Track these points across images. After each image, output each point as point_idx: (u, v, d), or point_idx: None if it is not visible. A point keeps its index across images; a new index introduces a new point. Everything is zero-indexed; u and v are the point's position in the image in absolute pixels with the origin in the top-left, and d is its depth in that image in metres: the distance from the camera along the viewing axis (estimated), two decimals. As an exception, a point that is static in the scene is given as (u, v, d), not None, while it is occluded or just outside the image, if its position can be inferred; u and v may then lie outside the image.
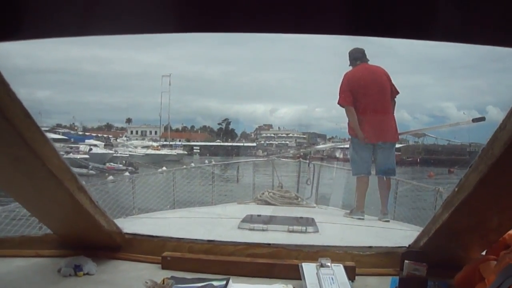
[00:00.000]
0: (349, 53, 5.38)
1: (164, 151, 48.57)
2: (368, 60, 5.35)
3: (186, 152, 57.25)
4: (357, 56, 5.32)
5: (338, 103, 5.20)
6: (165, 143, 63.70)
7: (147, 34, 1.62)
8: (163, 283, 1.98)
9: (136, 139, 64.90)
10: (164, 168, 14.10)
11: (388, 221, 4.92)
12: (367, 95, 5.12)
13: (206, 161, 22.68)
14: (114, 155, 36.96)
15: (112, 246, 2.50)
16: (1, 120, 1.51)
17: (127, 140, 57.95)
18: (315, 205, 6.19)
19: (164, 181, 8.07)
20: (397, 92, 5.32)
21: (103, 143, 44.04)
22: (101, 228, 2.31)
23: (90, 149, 34.58)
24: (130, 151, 41.62)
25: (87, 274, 2.24)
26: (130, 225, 2.74)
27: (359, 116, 5.10)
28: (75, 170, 2.13)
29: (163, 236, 2.63)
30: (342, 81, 5.23)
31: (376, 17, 1.28)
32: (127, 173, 17.01)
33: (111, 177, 9.93)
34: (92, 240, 2.46)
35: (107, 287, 2.12)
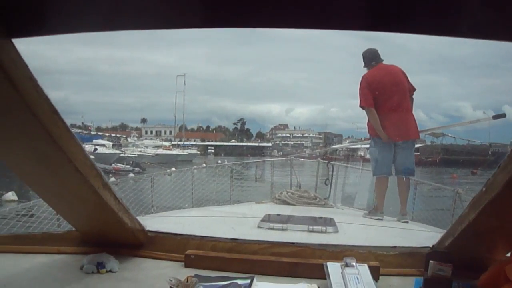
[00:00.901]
0: (363, 54, 5.39)
1: (175, 151, 48.42)
2: (383, 60, 5.34)
3: (199, 152, 56.80)
4: (371, 57, 5.33)
5: (360, 105, 5.19)
6: (179, 143, 63.50)
7: (164, 34, 1.64)
8: (187, 281, 1.95)
9: (151, 139, 64.59)
10: (173, 168, 14.07)
11: (407, 221, 4.91)
12: (387, 95, 5.11)
13: (219, 161, 22.49)
14: (121, 155, 36.30)
15: (134, 244, 2.50)
16: (29, 116, 1.53)
17: (138, 139, 57.28)
18: (333, 205, 6.19)
19: (177, 181, 8.08)
20: (414, 89, 5.32)
21: (111, 143, 43.34)
22: (124, 225, 2.31)
23: (95, 149, 33.94)
24: (139, 151, 40.88)
25: (110, 271, 2.23)
26: (150, 223, 2.72)
27: (381, 116, 5.09)
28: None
29: (186, 234, 2.62)
30: (361, 84, 5.22)
31: (397, 12, 1.28)
32: (131, 174, 17.01)
33: (113, 179, 9.95)
34: (114, 237, 2.46)
35: (130, 284, 2.11)
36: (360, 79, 5.30)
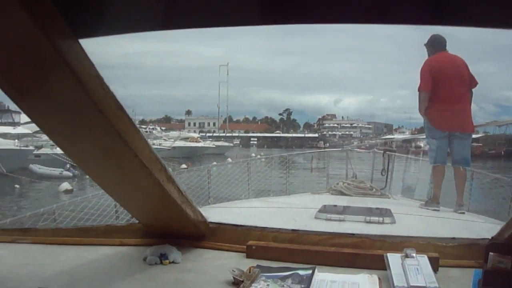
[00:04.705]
0: (432, 37, 5.28)
1: (201, 144, 46.07)
2: (448, 51, 5.26)
3: (231, 144, 54.83)
4: (439, 44, 5.25)
5: (419, 88, 5.17)
6: (210, 134, 61.62)
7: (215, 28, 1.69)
8: (250, 271, 1.99)
9: (176, 131, 61.91)
10: (183, 165, 13.65)
11: (463, 212, 4.85)
12: (446, 84, 5.08)
13: (253, 154, 21.60)
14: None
15: (196, 235, 2.53)
16: (96, 113, 1.59)
17: (163, 131, 54.67)
18: (390, 195, 6.16)
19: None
20: (476, 83, 5.21)
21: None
22: (187, 217, 2.34)
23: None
24: (156, 144, 37.17)
25: (173, 262, 2.27)
26: (208, 214, 2.69)
27: (436, 103, 5.06)
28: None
29: (247, 225, 2.64)
30: (423, 67, 5.21)
31: (457, 5, 1.28)
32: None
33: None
34: (177, 229, 2.50)
35: (193, 275, 2.14)
36: (423, 63, 5.27)
